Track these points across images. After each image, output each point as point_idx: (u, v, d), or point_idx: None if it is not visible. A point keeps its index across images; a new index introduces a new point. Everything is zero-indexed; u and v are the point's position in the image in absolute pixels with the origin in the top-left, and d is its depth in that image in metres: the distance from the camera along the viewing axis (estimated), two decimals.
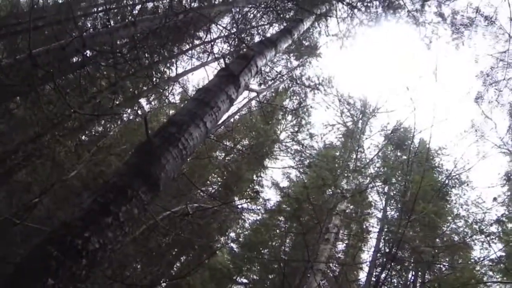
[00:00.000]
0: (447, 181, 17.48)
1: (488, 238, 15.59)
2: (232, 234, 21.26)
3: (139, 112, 17.02)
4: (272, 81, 15.96)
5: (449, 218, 17.74)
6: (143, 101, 17.07)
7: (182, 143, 4.30)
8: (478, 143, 22.04)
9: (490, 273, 16.69)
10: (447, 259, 17.66)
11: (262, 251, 19.02)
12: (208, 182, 20.58)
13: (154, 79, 14.86)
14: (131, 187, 3.69)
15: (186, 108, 5.02)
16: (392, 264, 12.13)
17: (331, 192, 16.29)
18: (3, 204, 13.39)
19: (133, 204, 3.63)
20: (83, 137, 17.32)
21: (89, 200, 3.52)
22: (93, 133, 18.38)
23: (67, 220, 3.29)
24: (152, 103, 17.71)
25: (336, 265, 16.73)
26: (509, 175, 21.42)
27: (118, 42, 13.32)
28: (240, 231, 21.40)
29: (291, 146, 19.73)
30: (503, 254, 15.91)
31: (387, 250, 13.05)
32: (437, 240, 16.70)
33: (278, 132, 21.15)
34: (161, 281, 18.53)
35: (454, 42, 14.12)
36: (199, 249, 18.24)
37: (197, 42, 16.54)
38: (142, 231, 13.96)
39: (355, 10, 13.25)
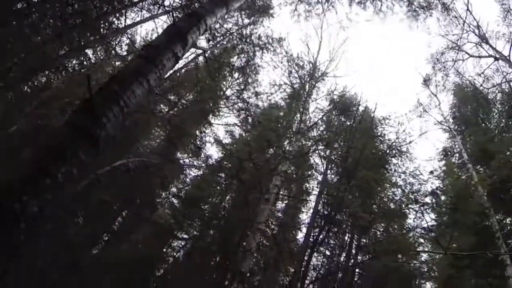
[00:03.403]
0: (388, 151, 18.10)
1: (422, 208, 16.41)
2: (174, 189, 21.13)
3: (85, 63, 16.42)
4: (221, 37, 15.70)
5: (387, 186, 18.44)
6: (89, 52, 16.44)
7: (124, 101, 4.18)
8: (421, 118, 23.08)
9: (422, 240, 17.68)
10: (382, 225, 18.47)
11: (202, 207, 19.12)
12: (151, 136, 20.26)
13: (102, 30, 14.34)
14: (70, 148, 3.59)
15: (131, 65, 4.90)
16: (330, 226, 12.56)
17: (273, 153, 16.45)
18: None
19: (72, 164, 3.54)
20: (26, 89, 16.56)
21: (28, 162, 3.42)
22: (36, 84, 17.55)
23: (5, 183, 3.18)
24: (99, 53, 17.07)
25: (276, 225, 17.09)
26: (447, 150, 22.54)
27: None
28: (181, 186, 21.36)
29: (236, 103, 19.59)
30: (435, 223, 16.84)
31: (326, 213, 13.49)
32: (374, 206, 17.38)
33: (224, 88, 20.98)
34: (103, 237, 18.43)
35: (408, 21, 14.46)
36: (141, 204, 18.17)
37: None
38: (83, 186, 13.74)
39: None
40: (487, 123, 22.19)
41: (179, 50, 5.31)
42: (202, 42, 14.53)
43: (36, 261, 12.68)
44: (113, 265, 16.60)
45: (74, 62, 16.70)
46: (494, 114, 22.53)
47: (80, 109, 4.12)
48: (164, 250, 20.40)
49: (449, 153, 22.41)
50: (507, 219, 17.30)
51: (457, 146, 21.83)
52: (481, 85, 22.57)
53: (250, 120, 18.25)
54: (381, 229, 18.47)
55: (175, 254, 21.24)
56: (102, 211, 17.02)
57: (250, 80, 18.37)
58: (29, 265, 11.86)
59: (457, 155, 21.96)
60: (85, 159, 3.70)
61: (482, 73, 21.73)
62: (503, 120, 21.54)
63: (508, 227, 16.90)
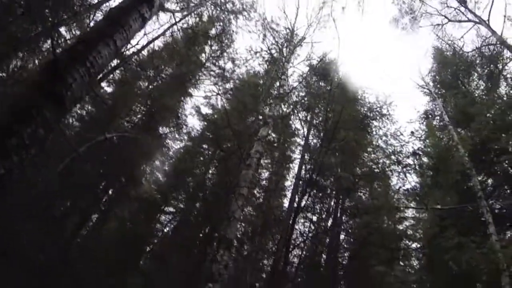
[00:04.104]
0: (369, 113, 18.21)
1: (405, 169, 16.62)
2: (157, 163, 21.13)
3: (59, 42, 16.12)
4: (196, 6, 15.45)
5: (369, 149, 18.63)
6: (63, 30, 16.12)
7: (90, 61, 4.14)
8: (402, 81, 23.18)
9: (406, 202, 17.95)
10: (367, 189, 18.72)
11: (187, 180, 19.19)
12: (132, 111, 20.08)
13: (75, 7, 14.08)
14: (35, 107, 3.55)
15: (97, 26, 4.84)
16: (314, 191, 12.69)
17: (253, 118, 16.42)
18: None
19: (38, 124, 3.51)
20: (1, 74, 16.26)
21: None
22: (11, 68, 17.22)
23: None
24: (73, 31, 16.75)
25: (260, 192, 17.19)
26: (428, 113, 22.77)
27: None
28: (165, 160, 21.35)
29: (213, 71, 19.42)
30: (417, 184, 17.08)
31: (308, 177, 13.59)
32: (357, 169, 17.59)
33: (202, 59, 20.68)
34: (91, 215, 18.41)
35: None
36: (126, 181, 18.17)
37: None
38: (66, 165, 13.68)
39: None
40: (467, 86, 22.36)
41: (146, 11, 5.25)
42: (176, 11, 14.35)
43: (23, 244, 12.61)
44: (103, 246, 16.69)
45: (48, 41, 16.42)
46: (474, 77, 22.72)
47: (44, 69, 4.08)
48: (152, 225, 20.47)
49: (430, 116, 22.58)
50: (489, 180, 17.59)
51: (437, 109, 22.01)
52: (460, 49, 22.70)
53: (228, 86, 18.13)
54: (365, 191, 18.73)
55: (163, 228, 21.33)
56: (88, 191, 17.00)
57: (226, 48, 18.19)
58: (16, 249, 11.81)
59: (438, 117, 22.15)
60: (51, 118, 3.67)
61: (462, 37, 21.83)
62: (483, 83, 21.75)
63: (490, 188, 17.20)
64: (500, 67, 20.93)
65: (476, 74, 22.60)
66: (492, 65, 21.23)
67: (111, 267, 15.31)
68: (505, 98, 18.68)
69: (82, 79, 4.05)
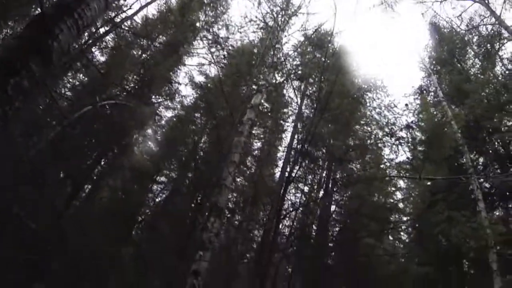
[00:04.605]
0: (363, 85, 18.15)
1: (398, 142, 16.71)
2: (150, 132, 20.96)
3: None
4: None
5: (362, 121, 18.67)
6: None
7: (78, 13, 4.03)
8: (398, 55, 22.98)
9: (398, 175, 18.03)
10: (359, 161, 18.78)
11: (179, 148, 19.13)
12: (124, 80, 19.82)
13: None
14: (19, 59, 3.48)
15: None
16: (306, 161, 12.68)
17: (246, 86, 16.28)
18: None
19: (22, 75, 3.44)
20: None
21: None
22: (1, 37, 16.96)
23: None
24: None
25: (252, 161, 17.17)
26: (423, 88, 22.81)
27: None
28: (157, 129, 21.22)
29: (207, 38, 19.15)
30: (410, 158, 17.18)
31: (300, 147, 13.58)
32: (350, 139, 17.65)
33: (198, 26, 20.34)
34: (83, 185, 18.32)
35: None
36: (118, 150, 18.08)
37: None
38: (57, 134, 13.58)
39: None
40: (463, 64, 22.32)
41: None
42: None
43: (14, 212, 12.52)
44: (95, 216, 16.67)
45: (38, 9, 16.10)
46: (470, 55, 22.68)
47: (31, 23, 3.99)
48: (144, 195, 20.40)
49: (425, 91, 22.59)
50: (480, 159, 17.74)
51: (432, 85, 22.03)
52: (458, 27, 22.60)
53: (221, 53, 17.89)
54: (357, 163, 18.83)
55: (155, 198, 21.30)
56: (80, 160, 16.92)
57: (221, 15, 17.92)
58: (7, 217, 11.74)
59: (432, 93, 22.18)
60: (37, 71, 3.60)
61: (460, 15, 21.68)
62: (479, 62, 21.72)
63: (481, 166, 17.35)
64: (497, 47, 20.85)
65: (472, 53, 22.56)
66: (489, 45, 21.16)
67: (103, 238, 15.32)
68: (500, 78, 18.69)
69: (70, 30, 3.96)
